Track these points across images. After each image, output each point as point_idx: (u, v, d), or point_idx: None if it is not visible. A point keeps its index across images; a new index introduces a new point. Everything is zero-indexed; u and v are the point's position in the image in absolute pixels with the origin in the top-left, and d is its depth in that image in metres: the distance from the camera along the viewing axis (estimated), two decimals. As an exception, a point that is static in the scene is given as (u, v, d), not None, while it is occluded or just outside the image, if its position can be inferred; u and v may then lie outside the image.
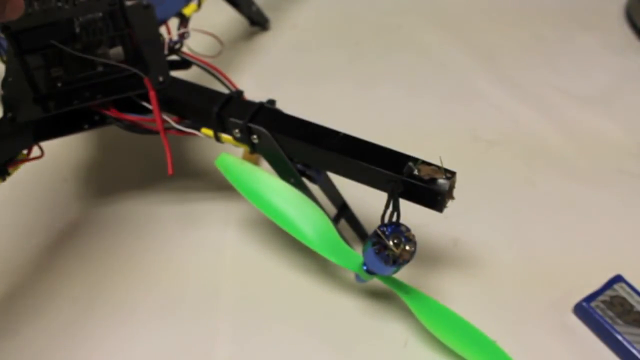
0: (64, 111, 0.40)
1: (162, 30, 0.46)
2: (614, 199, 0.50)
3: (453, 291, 0.43)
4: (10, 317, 0.42)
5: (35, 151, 0.42)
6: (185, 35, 0.46)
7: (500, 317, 0.42)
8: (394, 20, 0.70)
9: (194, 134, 0.42)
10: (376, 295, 0.43)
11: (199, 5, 0.51)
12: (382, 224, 0.34)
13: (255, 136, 0.40)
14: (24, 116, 0.40)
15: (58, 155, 0.52)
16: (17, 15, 0.34)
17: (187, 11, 0.50)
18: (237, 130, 0.40)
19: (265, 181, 0.40)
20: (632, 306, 0.41)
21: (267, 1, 0.70)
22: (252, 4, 0.66)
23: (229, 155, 0.41)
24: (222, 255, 0.46)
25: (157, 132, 0.42)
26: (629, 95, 0.60)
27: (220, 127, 0.41)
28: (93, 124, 0.43)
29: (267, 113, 0.41)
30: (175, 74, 0.43)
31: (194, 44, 0.47)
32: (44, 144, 0.43)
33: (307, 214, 0.39)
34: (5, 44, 0.43)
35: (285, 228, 0.39)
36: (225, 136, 0.42)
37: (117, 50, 0.41)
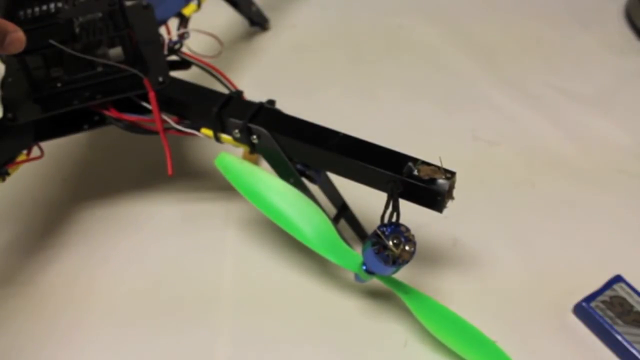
0: (63, 111, 0.40)
1: (162, 30, 0.46)
2: (614, 199, 0.50)
3: (452, 291, 0.43)
4: (8, 315, 0.42)
5: (35, 151, 0.42)
6: (185, 35, 0.46)
7: (499, 317, 0.42)
8: (394, 21, 0.70)
9: (194, 134, 0.42)
10: (376, 295, 0.43)
11: (199, 5, 0.51)
12: (382, 224, 0.34)
13: (255, 136, 0.40)
14: (23, 116, 0.40)
15: (58, 156, 0.52)
16: (17, 49, 0.35)
17: (186, 11, 0.50)
18: (236, 131, 0.40)
19: (264, 181, 0.40)
20: (631, 306, 0.41)
21: (267, 1, 0.70)
22: (252, 4, 0.66)
23: (228, 155, 0.41)
24: (222, 255, 0.46)
25: (156, 133, 0.42)
26: (628, 96, 0.60)
27: (220, 127, 0.41)
28: (93, 124, 0.43)
29: (266, 113, 0.41)
30: (175, 74, 0.43)
31: (194, 44, 0.47)
32: (43, 144, 0.43)
33: (307, 214, 0.39)
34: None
35: (284, 228, 0.39)
36: (225, 136, 0.42)
37: (117, 51, 0.41)
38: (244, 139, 0.41)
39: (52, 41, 0.37)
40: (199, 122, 0.42)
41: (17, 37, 0.35)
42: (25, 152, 0.41)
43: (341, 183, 0.42)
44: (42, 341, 0.41)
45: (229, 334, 0.41)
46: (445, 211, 0.36)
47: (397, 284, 0.39)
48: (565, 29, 0.68)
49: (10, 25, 0.34)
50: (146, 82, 0.39)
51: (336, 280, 0.44)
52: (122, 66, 0.40)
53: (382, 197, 0.36)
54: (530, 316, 0.42)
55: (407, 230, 0.34)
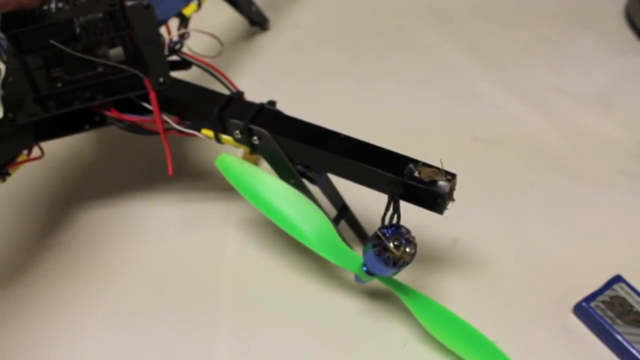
0: (64, 112, 0.40)
1: (162, 30, 0.46)
2: (614, 199, 0.50)
3: (452, 292, 0.43)
4: (8, 316, 0.43)
5: (36, 152, 0.42)
6: (186, 35, 0.46)
7: (499, 317, 0.42)
8: (394, 20, 0.70)
9: (194, 135, 0.42)
10: (376, 295, 0.43)
11: (199, 5, 0.51)
12: (383, 226, 0.34)
13: (255, 137, 0.40)
14: (24, 117, 0.40)
15: (58, 156, 0.52)
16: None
17: (187, 11, 0.50)
18: (237, 131, 0.40)
19: (265, 182, 0.40)
20: (631, 306, 0.41)
21: (267, 1, 0.70)
22: (252, 4, 0.66)
23: (228, 156, 0.41)
24: (222, 255, 0.46)
25: (157, 133, 0.41)
26: (628, 95, 0.60)
27: (221, 128, 0.41)
28: (93, 125, 0.43)
29: (267, 114, 0.41)
30: (175, 74, 0.43)
31: (194, 45, 0.47)
32: (44, 144, 0.43)
33: (307, 215, 0.39)
34: (5, 44, 0.43)
35: (285, 229, 0.39)
36: (225, 137, 0.42)
37: (118, 51, 0.41)
38: (245, 139, 0.41)
39: (52, 41, 0.37)
40: (199, 122, 0.42)
41: None
42: (25, 152, 0.41)
43: (342, 184, 0.42)
44: (43, 341, 0.41)
45: (229, 333, 0.42)
46: (445, 211, 0.36)
47: (397, 285, 0.39)
48: (565, 29, 0.68)
49: None
50: (147, 82, 0.39)
51: (336, 280, 0.44)
52: (123, 66, 0.40)
53: (382, 198, 0.36)
54: (530, 316, 0.42)
55: (408, 231, 0.34)
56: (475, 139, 0.56)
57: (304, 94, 0.59)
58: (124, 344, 0.41)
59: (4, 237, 0.47)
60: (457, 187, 0.36)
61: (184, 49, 0.46)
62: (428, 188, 0.35)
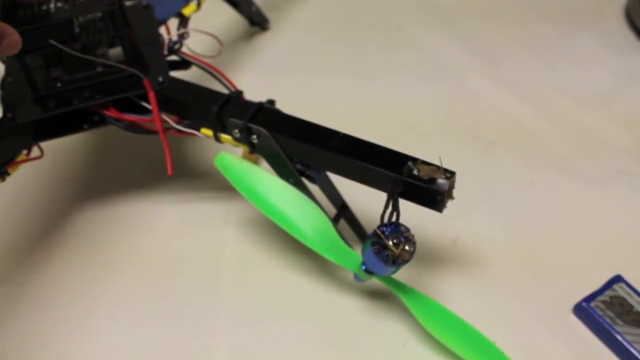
0: (63, 111, 0.40)
1: (162, 30, 0.46)
2: (614, 199, 0.50)
3: (452, 291, 0.43)
4: (10, 316, 0.42)
5: (35, 151, 0.42)
6: (185, 35, 0.46)
7: (499, 317, 0.42)
8: (394, 20, 0.70)
9: (194, 134, 0.42)
10: (376, 295, 0.43)
11: (199, 5, 0.51)
12: (382, 224, 0.34)
13: (254, 136, 0.40)
14: (23, 116, 0.40)
15: (58, 156, 0.52)
16: (13, 52, 0.35)
17: (186, 11, 0.50)
18: (236, 130, 0.41)
19: (264, 180, 0.40)
20: (631, 306, 0.41)
21: (267, 1, 0.70)
22: (252, 4, 0.66)
23: (227, 154, 0.41)
24: (222, 254, 0.46)
25: (156, 133, 0.42)
26: (628, 95, 0.60)
27: (220, 127, 0.41)
28: (93, 124, 0.43)
29: (266, 113, 0.41)
30: (174, 74, 0.43)
31: (194, 44, 0.47)
32: (43, 144, 0.43)
33: (307, 214, 0.39)
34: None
35: (284, 227, 0.39)
36: (224, 136, 0.42)
37: (117, 51, 0.41)
38: (244, 138, 0.41)
39: (51, 41, 0.37)
40: (198, 122, 0.42)
41: (14, 39, 0.35)
42: (25, 152, 0.41)
43: (341, 183, 0.42)
44: (44, 341, 0.41)
45: (229, 331, 0.41)
46: (445, 211, 0.36)
47: (396, 284, 0.39)
48: (566, 28, 0.68)
49: (7, 28, 0.35)
50: (146, 82, 0.39)
51: (336, 280, 0.44)
52: (122, 66, 0.40)
53: (381, 197, 0.36)
54: (530, 316, 0.42)
55: (407, 230, 0.34)
56: (475, 138, 0.55)
57: (303, 93, 0.59)
58: (125, 342, 0.41)
59: (4, 237, 0.47)
60: (457, 186, 0.36)
61: (184, 49, 0.46)
62: (427, 186, 0.35)
